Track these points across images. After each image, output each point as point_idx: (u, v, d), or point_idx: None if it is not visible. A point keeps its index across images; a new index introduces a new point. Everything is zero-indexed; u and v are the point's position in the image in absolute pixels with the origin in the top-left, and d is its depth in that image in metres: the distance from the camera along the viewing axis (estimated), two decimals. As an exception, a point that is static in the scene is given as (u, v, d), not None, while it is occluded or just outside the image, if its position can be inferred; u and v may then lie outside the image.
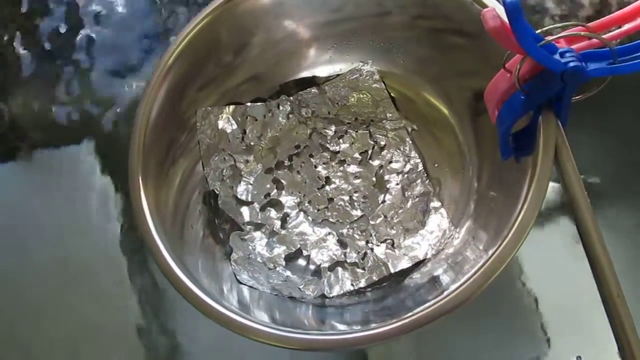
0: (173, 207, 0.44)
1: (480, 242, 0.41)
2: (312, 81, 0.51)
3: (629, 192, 0.48)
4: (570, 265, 0.43)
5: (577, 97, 0.36)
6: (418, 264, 0.44)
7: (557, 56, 0.33)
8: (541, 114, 0.36)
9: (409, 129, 0.50)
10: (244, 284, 0.44)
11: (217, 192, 0.47)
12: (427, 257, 0.44)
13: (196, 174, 0.49)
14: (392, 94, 0.50)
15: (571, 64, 0.32)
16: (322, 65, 0.51)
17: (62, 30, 0.62)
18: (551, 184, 0.37)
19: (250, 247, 0.46)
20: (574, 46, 0.35)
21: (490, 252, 0.34)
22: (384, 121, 0.50)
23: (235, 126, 0.49)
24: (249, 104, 0.50)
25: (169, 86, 0.44)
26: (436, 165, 0.48)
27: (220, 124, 0.49)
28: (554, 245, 0.46)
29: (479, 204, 0.45)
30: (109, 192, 0.55)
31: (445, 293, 0.35)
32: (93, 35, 0.61)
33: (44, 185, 0.57)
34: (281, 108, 0.50)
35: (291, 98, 0.50)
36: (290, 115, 0.50)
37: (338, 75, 0.51)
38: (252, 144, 0.49)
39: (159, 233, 0.40)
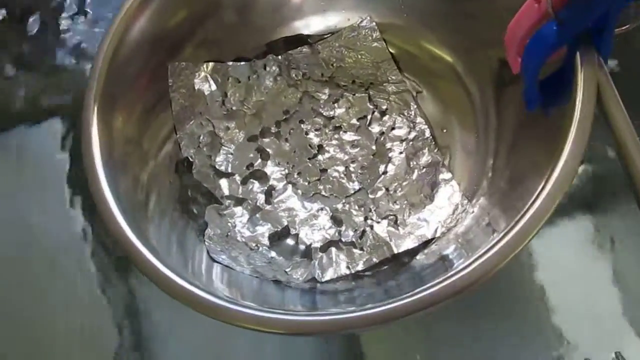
0: (138, 169, 0.38)
1: (496, 222, 0.35)
2: (304, 40, 0.46)
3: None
4: (586, 262, 0.40)
5: (621, 28, 0.31)
6: (425, 244, 0.39)
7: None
8: (578, 50, 0.31)
9: (414, 93, 0.44)
10: (219, 263, 0.37)
11: (191, 160, 0.42)
12: (436, 235, 0.39)
13: (172, 137, 0.43)
14: (393, 52, 0.45)
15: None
16: (314, 17, 0.45)
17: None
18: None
19: (229, 224, 0.41)
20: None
21: (505, 230, 0.30)
22: (385, 84, 0.45)
23: (214, 87, 0.44)
24: (230, 63, 0.45)
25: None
26: (445, 131, 0.43)
27: (197, 83, 0.43)
28: (569, 242, 0.42)
29: (497, 174, 0.39)
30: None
31: (453, 271, 0.29)
32: None
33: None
34: (268, 69, 0.45)
35: (279, 58, 0.46)
36: (278, 78, 0.46)
37: (333, 33, 0.46)
38: (234, 108, 0.45)
39: (114, 196, 0.33)
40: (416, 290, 0.29)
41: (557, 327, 0.39)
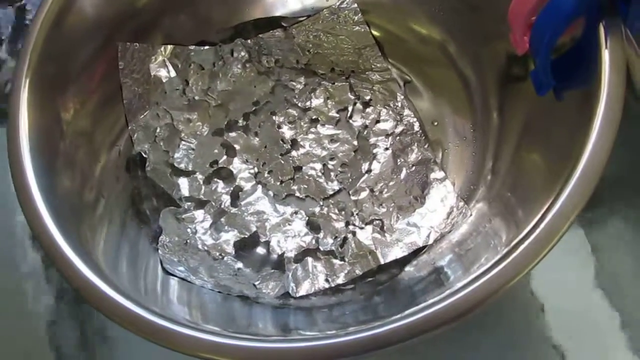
0: (88, 166, 0.34)
1: (498, 233, 0.31)
2: (277, 23, 0.43)
3: None
4: (579, 273, 0.38)
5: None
6: (416, 253, 0.36)
7: None
8: (600, 22, 0.27)
9: (400, 82, 0.41)
10: (175, 276, 0.32)
11: (144, 156, 0.38)
12: (429, 243, 0.36)
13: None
14: (376, 37, 0.42)
15: None
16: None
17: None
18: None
19: (188, 230, 0.37)
20: None
21: (513, 243, 0.26)
22: (368, 72, 0.42)
23: (173, 74, 0.40)
24: (192, 47, 0.41)
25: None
26: (436, 124, 0.40)
27: (153, 68, 0.39)
28: (564, 252, 0.37)
29: (498, 178, 0.35)
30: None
31: (452, 290, 0.25)
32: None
33: None
34: (235, 55, 0.42)
35: (249, 42, 0.42)
36: (248, 64, 0.42)
37: (309, 15, 0.42)
38: (196, 98, 0.41)
39: (47, 196, 0.28)
40: (409, 311, 0.24)
41: (555, 340, 0.36)
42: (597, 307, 0.37)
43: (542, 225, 0.24)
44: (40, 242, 0.27)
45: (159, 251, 0.35)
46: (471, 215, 0.35)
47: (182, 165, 0.39)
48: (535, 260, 0.24)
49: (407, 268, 0.35)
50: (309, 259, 0.36)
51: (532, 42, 0.29)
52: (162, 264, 0.34)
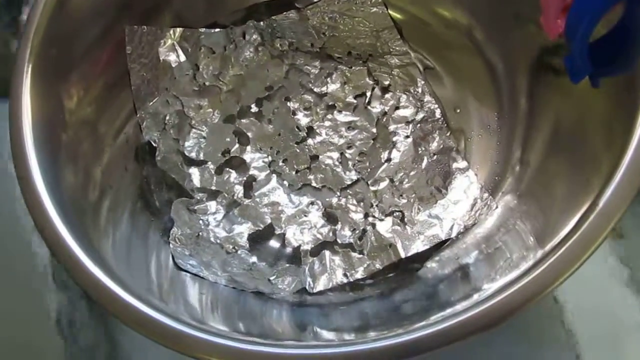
0: (84, 154, 0.32)
1: (530, 228, 0.30)
2: (290, 4, 0.41)
3: None
4: (595, 268, 0.36)
5: None
6: (438, 247, 0.35)
7: None
8: None
9: (421, 66, 0.39)
10: (187, 272, 0.31)
11: (154, 145, 0.36)
12: (451, 236, 0.35)
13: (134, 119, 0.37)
14: (397, 20, 0.40)
15: None
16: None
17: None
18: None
19: (200, 222, 0.36)
20: None
21: (550, 244, 0.24)
22: (386, 56, 0.40)
23: (183, 58, 0.39)
24: (203, 29, 0.39)
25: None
26: (458, 110, 0.38)
27: (162, 53, 0.38)
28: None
29: (528, 169, 0.34)
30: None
31: (484, 295, 0.24)
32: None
33: None
34: (247, 37, 0.40)
35: (261, 24, 0.40)
36: (260, 48, 0.40)
37: None
38: (207, 84, 0.39)
39: (48, 188, 0.26)
40: (438, 317, 0.22)
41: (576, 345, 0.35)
42: (616, 303, 0.36)
43: (584, 226, 0.23)
44: (44, 238, 0.25)
45: (170, 245, 0.33)
46: (497, 207, 0.34)
47: (193, 154, 0.37)
48: (577, 264, 0.22)
49: (430, 264, 0.34)
50: (327, 253, 0.35)
51: (568, 26, 0.27)
52: (173, 259, 0.32)
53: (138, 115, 0.36)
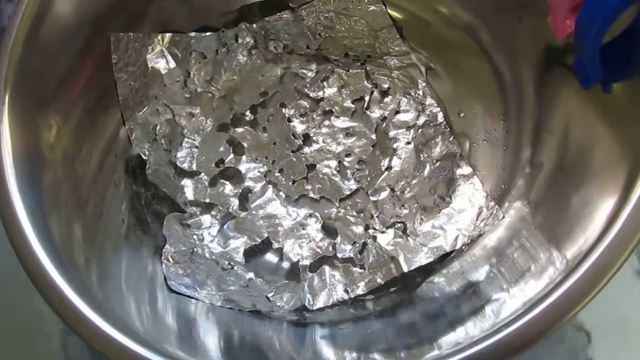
0: (69, 170, 0.30)
1: (545, 240, 0.28)
2: (284, 4, 0.40)
3: None
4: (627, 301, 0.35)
5: None
6: (443, 259, 0.34)
7: None
8: None
9: (422, 68, 0.38)
10: (180, 294, 0.29)
11: (144, 158, 0.35)
12: (456, 248, 0.34)
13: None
14: (396, 18, 0.39)
15: None
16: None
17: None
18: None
19: (195, 237, 0.35)
20: None
21: (573, 256, 0.23)
22: (385, 57, 0.39)
23: (173, 64, 0.38)
24: (193, 33, 0.38)
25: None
26: (462, 114, 0.37)
27: (150, 59, 0.37)
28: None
29: (540, 172, 0.32)
30: None
31: (501, 322, 0.22)
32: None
33: None
34: (240, 41, 0.39)
35: (254, 26, 0.39)
36: (254, 51, 0.39)
37: None
38: (198, 90, 0.38)
39: (25, 203, 0.25)
40: (450, 344, 0.21)
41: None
42: (626, 292, 0.35)
43: (610, 237, 0.21)
44: (26, 271, 0.24)
45: (163, 265, 0.32)
46: (503, 217, 0.32)
47: (186, 165, 0.36)
48: (604, 280, 0.21)
49: (436, 279, 0.32)
50: (326, 268, 0.34)
51: (577, 29, 0.26)
52: (166, 281, 0.31)
53: (127, 127, 0.35)
